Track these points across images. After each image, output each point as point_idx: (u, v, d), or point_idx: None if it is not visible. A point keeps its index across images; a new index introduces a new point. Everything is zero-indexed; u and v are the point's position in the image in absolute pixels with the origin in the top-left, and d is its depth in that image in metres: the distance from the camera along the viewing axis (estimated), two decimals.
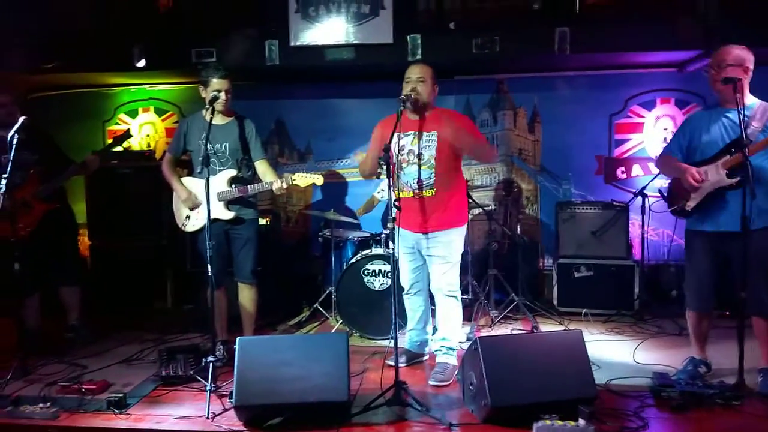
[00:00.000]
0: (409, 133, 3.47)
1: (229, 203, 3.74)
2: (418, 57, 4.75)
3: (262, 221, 4.95)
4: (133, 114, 5.97)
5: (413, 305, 3.77)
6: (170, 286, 5.30)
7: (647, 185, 4.76)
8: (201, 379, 3.29)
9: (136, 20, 5.08)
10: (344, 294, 4.34)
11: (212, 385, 3.09)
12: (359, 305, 4.30)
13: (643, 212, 4.77)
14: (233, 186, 3.72)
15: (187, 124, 3.87)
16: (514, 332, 4.41)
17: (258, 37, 4.89)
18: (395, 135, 3.26)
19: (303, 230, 5.85)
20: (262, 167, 3.81)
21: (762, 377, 3.17)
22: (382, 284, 4.27)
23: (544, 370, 2.83)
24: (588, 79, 5.47)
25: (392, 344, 3.10)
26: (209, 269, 3.28)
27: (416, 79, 3.40)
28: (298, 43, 4.88)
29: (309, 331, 4.61)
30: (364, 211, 3.68)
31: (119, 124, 5.96)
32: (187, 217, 3.84)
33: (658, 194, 4.58)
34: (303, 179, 3.66)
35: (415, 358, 3.82)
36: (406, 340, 3.86)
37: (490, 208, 5.26)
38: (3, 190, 3.43)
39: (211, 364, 3.16)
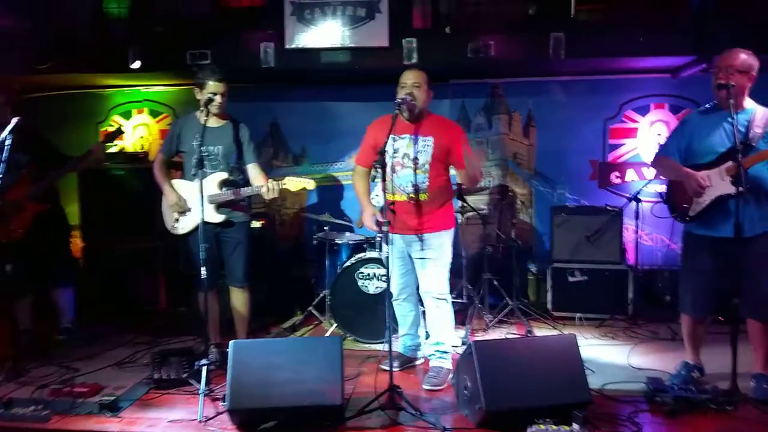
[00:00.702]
0: (404, 136, 3.47)
1: (220, 206, 3.72)
2: (414, 61, 4.75)
3: (257, 224, 4.93)
4: (126, 115, 5.95)
5: (403, 311, 3.77)
6: (163, 289, 5.27)
7: (641, 190, 4.77)
8: (194, 383, 3.27)
9: (132, 22, 5.07)
10: (338, 297, 4.33)
11: (205, 388, 3.08)
12: (353, 309, 4.29)
13: (637, 217, 4.79)
14: (224, 189, 3.71)
15: (181, 125, 3.85)
16: (509, 336, 4.41)
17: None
18: (390, 137, 3.26)
19: (297, 233, 5.84)
20: (253, 171, 3.80)
21: (755, 382, 3.18)
22: (376, 288, 4.26)
23: (538, 374, 2.83)
24: (582, 84, 5.49)
25: (386, 348, 3.09)
26: (201, 272, 3.26)
27: (412, 84, 3.40)
28: (293, 46, 4.88)
29: (303, 335, 4.60)
30: (362, 224, 3.68)
31: (113, 125, 5.94)
32: (177, 219, 3.81)
33: (657, 198, 4.60)
34: (294, 183, 3.63)
35: (409, 362, 3.82)
36: (399, 344, 3.86)
37: (484, 212, 5.26)
38: None
39: (204, 367, 3.15)
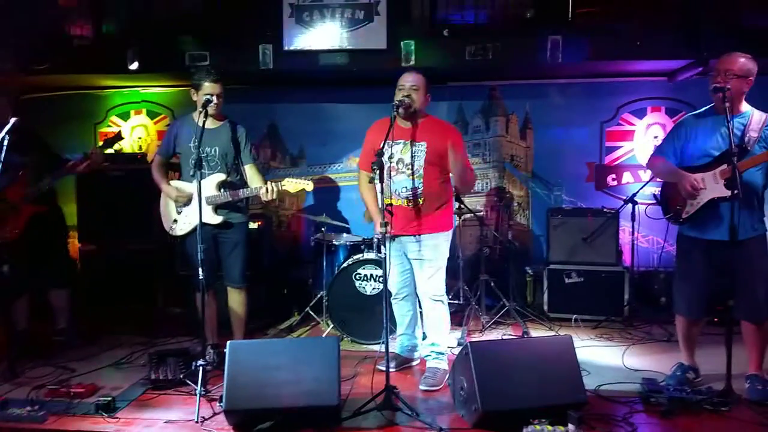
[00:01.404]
0: (399, 141, 3.48)
1: (218, 207, 3.73)
2: (412, 63, 4.77)
3: (254, 225, 4.94)
4: (124, 116, 5.96)
5: (402, 310, 3.78)
6: (160, 290, 5.28)
7: (637, 192, 4.79)
8: (191, 383, 3.27)
9: (130, 23, 5.08)
10: (336, 298, 4.34)
11: (202, 388, 3.08)
12: (351, 310, 4.29)
13: (633, 219, 4.80)
14: (222, 190, 3.71)
15: (178, 126, 3.86)
16: (505, 337, 4.42)
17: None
18: (386, 143, 3.28)
19: (295, 234, 5.85)
20: (250, 172, 3.81)
21: (749, 383, 3.19)
22: (374, 289, 4.27)
23: (534, 375, 2.84)
24: (580, 86, 5.52)
25: (383, 349, 3.10)
26: (199, 273, 3.27)
27: (410, 86, 3.41)
28: (291, 48, 4.89)
29: (300, 336, 4.60)
30: (368, 219, 3.70)
31: (111, 126, 5.95)
32: (175, 220, 3.82)
33: (651, 200, 4.61)
34: (293, 185, 3.64)
35: (405, 362, 3.83)
36: (396, 345, 3.87)
37: (481, 213, 5.28)
38: None
39: (201, 367, 3.15)
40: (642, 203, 4.82)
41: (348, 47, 4.87)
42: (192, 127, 3.64)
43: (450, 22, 4.94)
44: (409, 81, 3.42)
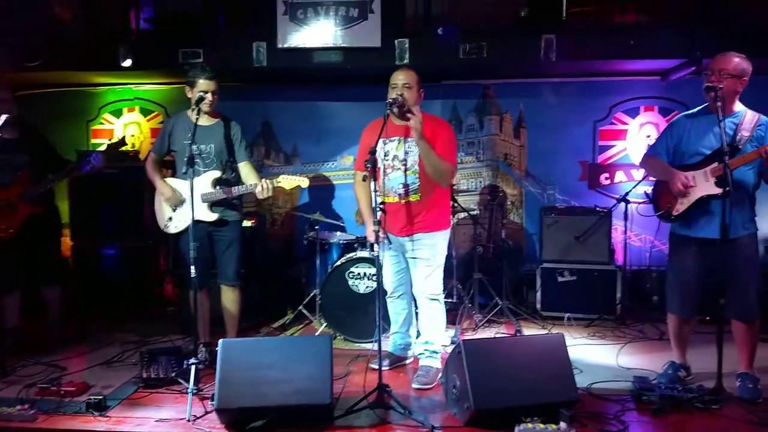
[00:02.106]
0: (393, 138, 3.47)
1: (213, 205, 3.72)
2: (406, 61, 4.76)
3: (248, 223, 4.93)
4: (117, 114, 5.93)
5: (396, 308, 3.78)
6: (153, 287, 5.26)
7: (630, 191, 4.81)
8: (183, 382, 3.26)
9: (123, 20, 5.05)
10: (329, 297, 4.33)
11: (194, 387, 3.07)
12: (344, 308, 4.29)
13: (625, 218, 4.82)
14: (217, 187, 3.70)
15: (172, 124, 3.84)
16: (498, 336, 4.43)
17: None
18: (380, 140, 3.27)
19: (288, 232, 5.84)
20: (245, 169, 3.80)
21: (740, 381, 3.21)
22: (367, 287, 4.27)
23: (526, 373, 2.85)
24: (573, 85, 5.53)
25: (376, 347, 3.10)
26: (192, 271, 3.26)
27: (402, 84, 3.40)
28: (285, 46, 4.88)
29: (293, 334, 4.60)
30: (360, 222, 3.70)
31: (103, 123, 5.92)
32: (170, 218, 3.81)
33: (643, 199, 4.62)
34: (288, 181, 3.65)
35: (398, 361, 3.83)
36: (389, 343, 3.87)
37: (475, 212, 5.28)
38: None
39: (193, 366, 3.14)
40: (634, 202, 4.83)
41: (342, 45, 4.85)
42: (186, 125, 3.63)
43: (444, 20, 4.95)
44: (401, 79, 3.41)
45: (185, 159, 3.41)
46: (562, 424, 2.60)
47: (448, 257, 3.69)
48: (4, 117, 3.47)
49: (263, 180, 3.60)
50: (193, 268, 3.27)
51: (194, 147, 3.50)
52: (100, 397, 3.05)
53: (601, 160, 5.56)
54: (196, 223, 3.37)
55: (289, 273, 5.42)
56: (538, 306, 4.98)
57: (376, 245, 3.12)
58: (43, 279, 4.21)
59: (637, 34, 4.71)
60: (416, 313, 3.82)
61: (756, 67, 3.20)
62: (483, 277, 4.79)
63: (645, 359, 3.86)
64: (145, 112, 5.92)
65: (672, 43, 4.69)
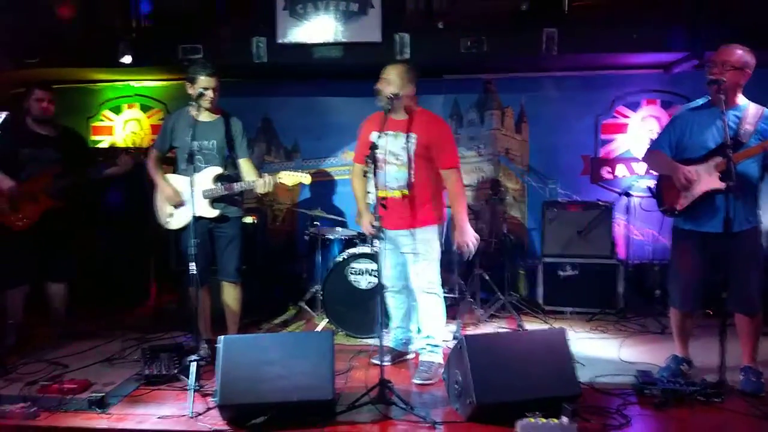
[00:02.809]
0: (389, 132, 3.47)
1: (214, 201, 3.71)
2: (407, 56, 4.74)
3: (249, 219, 4.92)
4: (117, 110, 5.91)
5: (396, 303, 3.78)
6: (154, 284, 5.25)
7: (632, 185, 4.79)
8: (184, 378, 3.26)
9: (122, 16, 5.04)
10: (330, 293, 4.33)
11: (195, 384, 3.07)
12: (345, 304, 4.28)
13: (627, 212, 4.80)
14: (219, 184, 3.70)
15: (173, 120, 3.84)
16: (500, 331, 4.42)
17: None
18: (375, 134, 3.29)
19: (290, 229, 5.83)
20: (246, 166, 3.79)
21: (743, 375, 3.20)
22: (369, 283, 4.26)
23: (528, 368, 2.85)
24: (575, 79, 5.50)
25: (378, 343, 3.09)
26: (192, 267, 3.26)
27: (384, 78, 3.44)
28: (285, 41, 4.86)
29: (295, 330, 4.59)
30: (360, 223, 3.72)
31: (103, 120, 5.90)
32: (171, 214, 3.80)
33: (646, 193, 4.60)
34: (290, 178, 3.64)
35: (400, 356, 3.82)
36: (390, 338, 3.86)
37: (477, 207, 5.26)
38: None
39: (194, 362, 3.14)
40: (637, 196, 4.81)
41: (342, 40, 4.83)
42: (188, 121, 3.62)
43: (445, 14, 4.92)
44: (384, 73, 3.45)
45: (186, 155, 3.40)
46: (564, 419, 2.59)
47: (450, 252, 3.68)
48: (3, 115, 3.48)
49: (264, 176, 3.59)
50: (193, 264, 3.26)
51: (195, 143, 3.50)
52: (102, 395, 3.04)
53: (603, 154, 5.54)
54: (197, 219, 3.36)
55: (291, 269, 5.41)
56: (540, 300, 4.97)
57: (376, 240, 3.11)
58: (51, 274, 4.21)
59: (640, 27, 4.68)
60: (414, 308, 3.82)
61: (760, 59, 3.17)
62: (485, 272, 4.78)
63: (647, 353, 3.86)
64: (145, 108, 5.90)
65: (674, 36, 4.66)
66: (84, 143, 4.35)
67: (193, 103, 3.56)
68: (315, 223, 4.71)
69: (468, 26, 4.80)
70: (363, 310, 4.19)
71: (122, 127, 5.89)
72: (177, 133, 3.77)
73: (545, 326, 4.54)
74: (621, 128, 5.51)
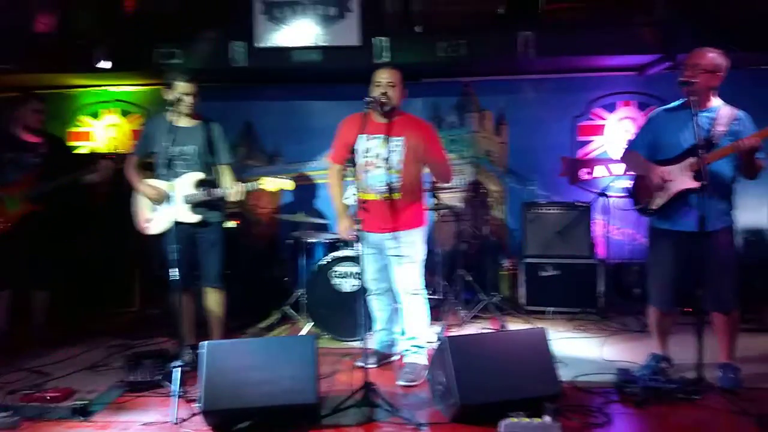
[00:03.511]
0: (375, 136, 3.48)
1: (195, 206, 3.70)
2: (385, 59, 4.77)
3: (231, 224, 4.90)
4: (95, 116, 5.85)
5: (379, 306, 3.79)
6: (137, 290, 5.21)
7: (609, 186, 4.86)
8: (168, 385, 3.24)
9: (99, 21, 4.98)
10: (314, 296, 4.33)
11: (179, 390, 3.05)
12: (329, 307, 4.29)
13: (605, 212, 4.87)
14: (200, 189, 3.68)
15: (152, 125, 3.80)
16: (483, 331, 4.45)
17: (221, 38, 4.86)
18: (361, 137, 3.28)
19: (272, 233, 5.81)
20: (224, 172, 3.79)
21: (721, 372, 3.27)
22: (352, 286, 4.27)
23: (510, 368, 2.88)
24: (552, 82, 5.57)
25: (362, 345, 3.11)
26: (175, 273, 3.24)
27: (386, 83, 3.41)
28: (263, 45, 4.86)
29: (279, 335, 4.58)
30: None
31: (80, 126, 5.84)
32: (149, 219, 3.76)
33: (623, 193, 4.67)
34: (272, 183, 3.63)
35: (385, 358, 3.84)
36: (375, 341, 3.87)
37: (458, 209, 5.31)
38: None
39: (178, 369, 3.12)
40: (614, 196, 4.89)
41: (321, 44, 4.84)
42: (166, 126, 3.60)
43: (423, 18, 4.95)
44: (385, 77, 3.42)
45: (166, 161, 3.38)
46: (547, 418, 2.63)
47: (433, 254, 3.71)
48: None
49: (237, 184, 3.60)
50: (176, 270, 3.24)
51: (176, 149, 3.47)
52: (85, 402, 3.02)
53: (580, 156, 5.61)
54: (178, 224, 3.34)
55: (274, 273, 5.39)
56: (522, 301, 5.01)
57: (357, 243, 3.13)
58: (32, 281, 4.16)
59: (614, 29, 4.75)
60: (399, 310, 3.84)
61: (734, 61, 3.24)
62: (467, 273, 4.81)
63: (628, 351, 3.92)
64: (124, 113, 5.85)
65: (648, 39, 4.74)
66: (67, 149, 4.33)
67: (171, 108, 3.54)
68: (298, 226, 4.69)
69: (446, 30, 4.84)
70: (347, 314, 4.19)
71: (103, 132, 5.81)
72: (156, 139, 3.73)
73: (527, 326, 4.58)
74: (598, 130, 5.60)
